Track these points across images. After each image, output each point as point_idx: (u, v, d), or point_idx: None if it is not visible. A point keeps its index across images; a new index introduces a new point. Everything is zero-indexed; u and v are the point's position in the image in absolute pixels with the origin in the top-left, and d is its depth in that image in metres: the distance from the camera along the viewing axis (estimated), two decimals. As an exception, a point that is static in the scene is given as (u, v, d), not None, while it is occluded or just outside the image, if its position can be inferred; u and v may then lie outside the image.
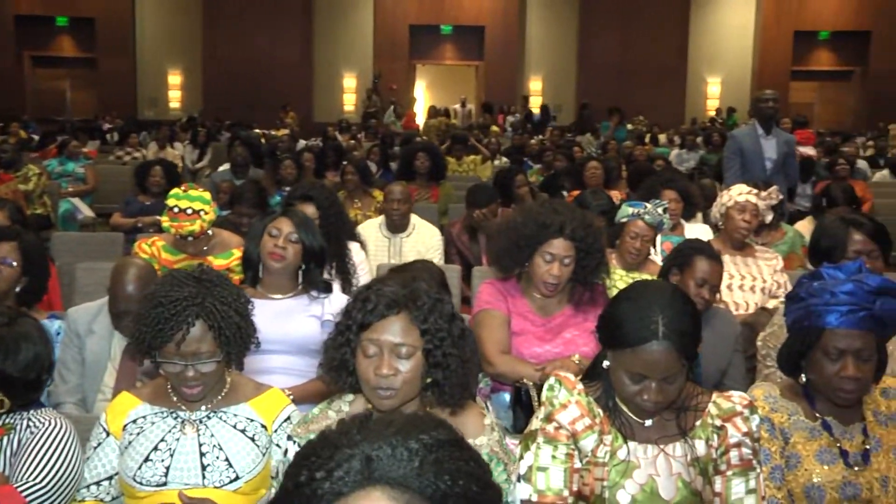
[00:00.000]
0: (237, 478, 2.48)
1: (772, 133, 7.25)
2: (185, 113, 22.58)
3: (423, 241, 5.77)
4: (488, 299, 3.54)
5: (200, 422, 2.55)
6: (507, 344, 3.45)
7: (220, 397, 2.58)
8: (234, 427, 2.54)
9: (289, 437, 2.30)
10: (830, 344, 2.36)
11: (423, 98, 25.77)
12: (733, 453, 2.29)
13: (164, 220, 4.50)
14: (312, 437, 2.19)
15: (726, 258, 4.39)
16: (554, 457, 2.28)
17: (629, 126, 19.62)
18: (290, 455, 2.24)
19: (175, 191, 4.54)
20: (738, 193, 4.73)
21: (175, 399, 2.57)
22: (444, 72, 26.56)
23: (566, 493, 2.26)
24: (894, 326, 2.43)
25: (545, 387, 2.38)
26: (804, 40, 24.01)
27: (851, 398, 2.41)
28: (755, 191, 4.77)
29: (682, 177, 6.69)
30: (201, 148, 14.60)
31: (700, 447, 2.30)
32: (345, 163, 10.42)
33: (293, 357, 3.59)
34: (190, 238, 4.50)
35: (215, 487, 2.46)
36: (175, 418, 2.55)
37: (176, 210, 4.45)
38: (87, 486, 2.53)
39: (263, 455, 2.53)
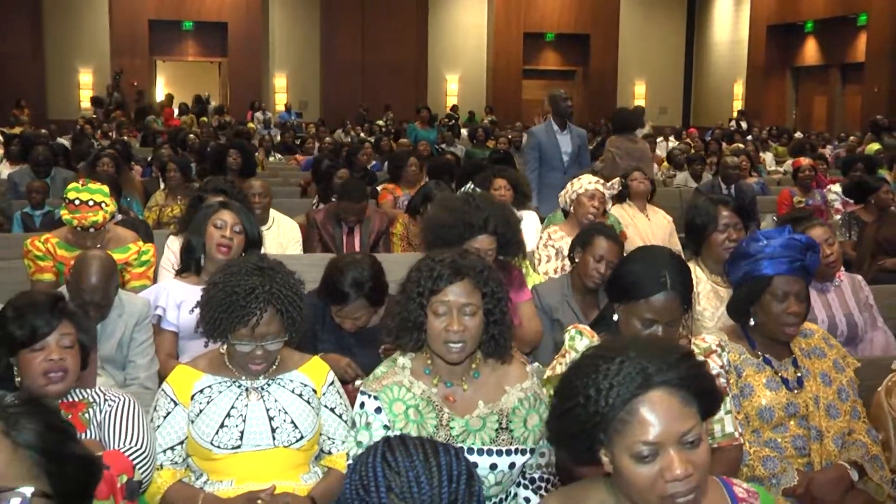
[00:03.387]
0: (302, 437, 2.76)
1: (566, 129, 8.00)
2: None
3: (284, 233, 5.99)
4: None
5: (262, 388, 2.80)
6: None
7: (274, 367, 2.83)
8: (293, 392, 2.81)
9: (362, 392, 2.61)
10: (779, 288, 2.96)
11: (164, 95, 25.17)
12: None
13: (65, 214, 4.48)
14: (388, 389, 2.54)
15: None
16: None
17: (379, 122, 20.31)
18: (368, 406, 2.56)
19: (73, 184, 4.53)
20: (588, 182, 5.29)
21: (233, 369, 2.80)
22: (187, 68, 26.08)
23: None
24: (812, 276, 3.10)
25: (566, 337, 2.84)
26: (533, 41, 25.77)
27: (795, 332, 3.03)
28: (602, 181, 5.40)
29: (509, 168, 7.27)
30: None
31: (692, 379, 2.84)
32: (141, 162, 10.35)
33: None
34: (91, 230, 4.51)
35: (284, 447, 2.74)
36: (238, 386, 2.79)
37: (77, 203, 4.45)
38: (163, 451, 2.72)
39: (317, 415, 2.82)
